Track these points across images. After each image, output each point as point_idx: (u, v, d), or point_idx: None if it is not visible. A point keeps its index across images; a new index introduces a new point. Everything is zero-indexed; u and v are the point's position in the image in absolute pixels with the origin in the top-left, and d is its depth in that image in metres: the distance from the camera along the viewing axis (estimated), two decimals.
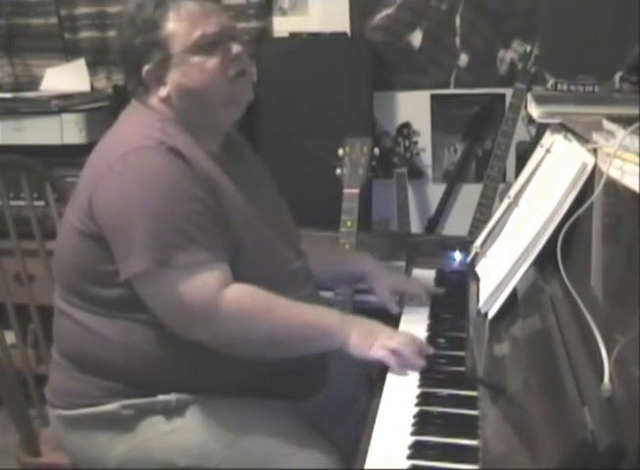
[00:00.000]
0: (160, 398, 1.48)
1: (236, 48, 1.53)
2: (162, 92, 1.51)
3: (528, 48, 2.62)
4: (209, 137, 1.55)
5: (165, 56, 1.49)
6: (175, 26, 1.49)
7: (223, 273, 1.42)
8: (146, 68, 1.50)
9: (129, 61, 1.54)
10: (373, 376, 1.55)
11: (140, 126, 1.50)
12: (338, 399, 1.66)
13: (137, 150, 1.43)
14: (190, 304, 1.39)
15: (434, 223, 3.02)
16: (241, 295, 1.42)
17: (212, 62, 1.50)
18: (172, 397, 1.48)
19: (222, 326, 1.40)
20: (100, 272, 1.46)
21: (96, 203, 1.44)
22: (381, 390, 1.39)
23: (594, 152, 1.37)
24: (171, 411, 1.48)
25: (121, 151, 1.44)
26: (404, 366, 1.43)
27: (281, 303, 1.45)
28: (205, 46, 1.50)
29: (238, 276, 1.44)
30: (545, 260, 1.41)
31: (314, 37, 2.91)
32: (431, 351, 1.48)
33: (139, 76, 1.52)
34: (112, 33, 3.08)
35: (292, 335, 1.45)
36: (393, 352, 1.43)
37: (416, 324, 1.63)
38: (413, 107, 2.98)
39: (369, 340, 1.45)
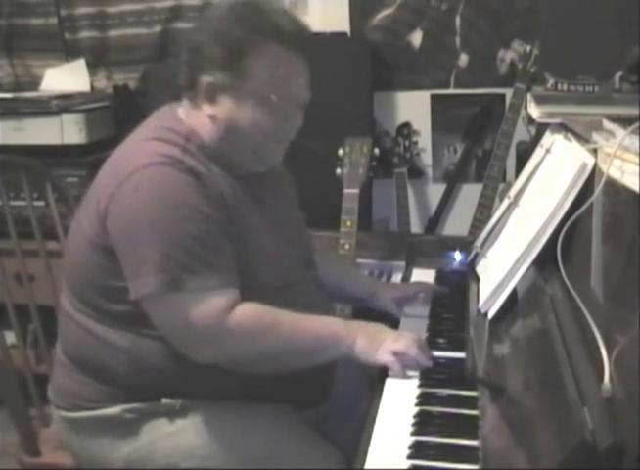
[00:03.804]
0: (165, 401, 1.48)
1: (300, 121, 1.51)
2: (208, 110, 1.46)
3: (528, 48, 2.62)
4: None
5: (237, 85, 1.44)
6: (260, 67, 1.43)
7: (232, 297, 1.40)
8: (208, 78, 1.44)
9: (195, 59, 1.46)
10: (373, 376, 1.55)
11: (160, 142, 1.45)
12: (341, 402, 1.66)
13: (155, 166, 1.40)
14: (196, 326, 1.38)
15: (433, 223, 3.02)
16: (246, 315, 1.41)
17: (272, 121, 1.46)
18: (176, 400, 1.48)
19: (228, 347, 1.41)
20: (109, 287, 1.45)
21: (109, 215, 1.41)
22: (381, 390, 1.39)
23: (594, 152, 1.37)
24: (175, 413, 1.48)
25: (137, 165, 1.41)
26: (411, 368, 1.43)
27: (286, 317, 1.44)
28: (276, 105, 1.46)
29: (246, 287, 1.43)
30: (545, 260, 1.41)
31: (314, 37, 2.90)
32: (432, 355, 1.47)
33: (196, 79, 1.46)
34: (112, 33, 3.10)
35: (299, 348, 1.45)
36: (400, 354, 1.43)
37: (416, 324, 1.63)
38: (413, 107, 2.98)
39: (374, 344, 1.44)
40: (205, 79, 1.45)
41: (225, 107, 1.46)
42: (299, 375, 1.47)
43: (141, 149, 1.47)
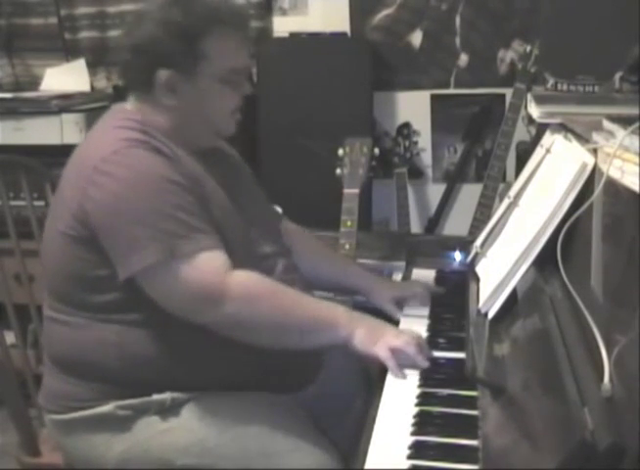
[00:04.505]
0: (155, 397, 1.48)
1: (249, 88, 1.55)
2: (169, 101, 1.50)
3: (528, 48, 2.62)
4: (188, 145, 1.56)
5: (192, 71, 1.48)
6: (215, 48, 1.48)
7: (225, 257, 1.43)
8: (165, 72, 1.47)
9: (146, 57, 1.49)
10: (372, 375, 1.55)
11: (121, 129, 1.49)
12: (335, 398, 1.66)
13: (121, 149, 1.44)
14: (198, 288, 1.40)
15: (433, 223, 3.03)
16: (247, 278, 1.43)
17: (233, 97, 1.53)
18: (167, 396, 1.48)
19: (230, 308, 1.40)
20: (92, 278, 1.46)
21: (88, 205, 1.43)
22: (381, 390, 1.39)
23: (594, 152, 1.37)
24: (166, 410, 1.48)
25: (104, 153, 1.44)
26: (406, 366, 1.43)
27: (287, 290, 1.46)
28: (231, 79, 1.51)
29: None
30: (545, 260, 1.41)
31: (314, 37, 2.91)
32: (432, 354, 1.47)
33: (150, 76, 1.48)
34: (112, 33, 3.10)
35: (297, 323, 1.46)
36: (397, 350, 1.43)
37: (416, 324, 1.63)
38: (413, 107, 2.99)
39: (374, 337, 1.45)
40: (164, 73, 1.48)
41: (188, 95, 1.50)
42: (285, 353, 1.47)
43: (104, 140, 1.50)
